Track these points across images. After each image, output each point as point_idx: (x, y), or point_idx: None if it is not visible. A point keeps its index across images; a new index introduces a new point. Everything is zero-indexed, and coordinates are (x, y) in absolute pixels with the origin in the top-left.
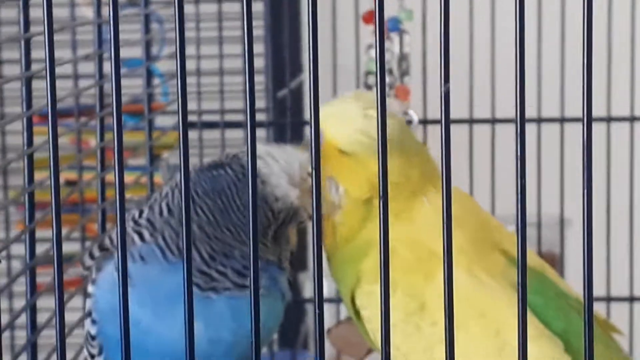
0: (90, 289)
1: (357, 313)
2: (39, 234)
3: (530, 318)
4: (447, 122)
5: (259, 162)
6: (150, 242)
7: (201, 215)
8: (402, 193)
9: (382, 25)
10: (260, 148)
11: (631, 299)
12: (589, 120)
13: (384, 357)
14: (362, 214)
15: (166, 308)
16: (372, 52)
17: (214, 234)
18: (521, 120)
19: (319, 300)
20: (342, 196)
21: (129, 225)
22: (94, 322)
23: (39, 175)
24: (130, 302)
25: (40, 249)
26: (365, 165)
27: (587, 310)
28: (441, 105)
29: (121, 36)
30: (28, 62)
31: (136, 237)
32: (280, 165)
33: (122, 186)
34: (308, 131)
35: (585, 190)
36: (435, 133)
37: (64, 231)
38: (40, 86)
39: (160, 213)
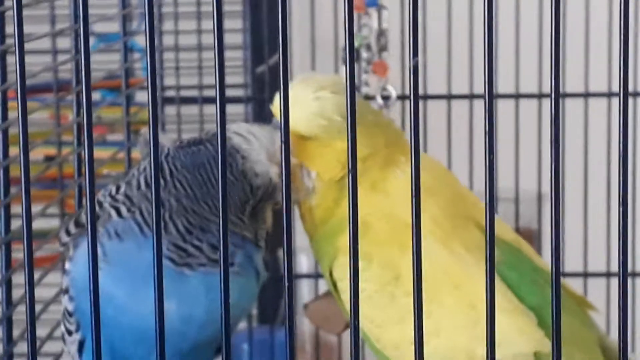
0: (67, 265)
1: (334, 285)
2: (15, 209)
3: (505, 292)
4: (416, 96)
5: (240, 139)
6: (128, 218)
7: (179, 188)
8: (374, 165)
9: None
10: (242, 126)
11: (608, 275)
12: (556, 96)
13: (353, 322)
14: (336, 194)
15: (141, 285)
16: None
17: (192, 207)
18: (490, 97)
19: (289, 274)
20: (314, 180)
21: (106, 200)
22: (71, 298)
23: (14, 150)
24: (106, 279)
25: (16, 224)
26: (330, 146)
27: (554, 282)
28: (410, 78)
29: (99, 11)
30: (2, 37)
31: (113, 213)
32: (261, 142)
33: (91, 164)
34: (273, 121)
35: (553, 165)
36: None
37: (42, 207)
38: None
39: (138, 187)
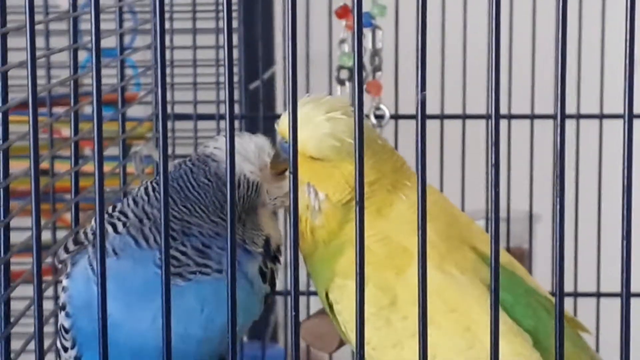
0: (64, 282)
1: (330, 307)
2: (13, 222)
3: (500, 315)
4: (423, 130)
5: (213, 146)
6: (123, 233)
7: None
8: (381, 189)
9: (361, 25)
10: (218, 137)
11: (598, 295)
12: (562, 116)
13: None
14: (341, 216)
15: (137, 301)
16: (345, 47)
17: (172, 213)
18: (496, 117)
19: (295, 302)
20: (322, 201)
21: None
22: (67, 315)
23: (14, 164)
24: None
25: (14, 237)
26: (339, 168)
27: (558, 305)
28: (417, 112)
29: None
30: (4, 56)
31: (110, 229)
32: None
33: (101, 180)
34: (278, 139)
35: (558, 186)
36: (406, 128)
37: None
38: (15, 74)
39: (135, 204)
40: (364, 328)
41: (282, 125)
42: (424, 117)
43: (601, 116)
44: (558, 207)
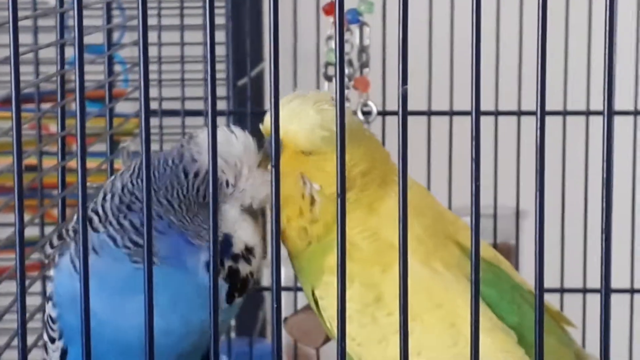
0: (51, 272)
1: (316, 303)
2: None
3: (484, 310)
4: (405, 123)
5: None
6: (102, 232)
7: (126, 190)
8: (373, 181)
9: (342, 21)
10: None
11: (584, 291)
12: (542, 112)
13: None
14: (336, 209)
15: (119, 298)
16: (332, 44)
17: (128, 187)
18: (477, 114)
19: (277, 293)
20: (316, 192)
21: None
22: (54, 305)
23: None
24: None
25: (0, 233)
26: (332, 160)
27: (538, 299)
28: (399, 105)
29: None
30: None
31: (88, 227)
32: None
33: (84, 176)
34: (266, 132)
35: (538, 183)
36: (393, 125)
37: (25, 217)
38: (1, 71)
39: (112, 198)
40: (345, 321)
41: (267, 124)
42: (406, 110)
43: (587, 113)
44: (538, 202)
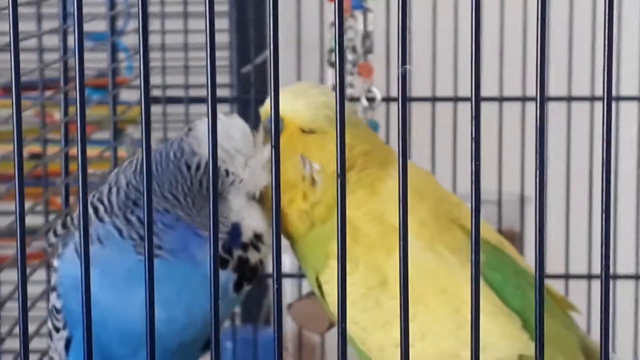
0: (55, 263)
1: (320, 288)
2: (2, 206)
3: (489, 295)
4: (404, 103)
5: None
6: (108, 223)
7: (131, 186)
8: (374, 160)
9: (342, 7)
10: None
11: (589, 277)
12: (542, 99)
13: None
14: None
15: (124, 287)
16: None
17: (132, 182)
18: (476, 99)
19: (278, 276)
20: (317, 172)
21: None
22: (59, 296)
23: (2, 148)
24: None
25: (3, 221)
26: (333, 140)
27: (538, 283)
28: (398, 86)
29: (86, 10)
30: None
31: (92, 215)
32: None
33: (84, 163)
34: (265, 115)
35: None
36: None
37: (28, 204)
38: (4, 58)
39: (118, 192)
40: (346, 304)
41: (268, 107)
42: (405, 91)
43: (592, 98)
44: (538, 188)
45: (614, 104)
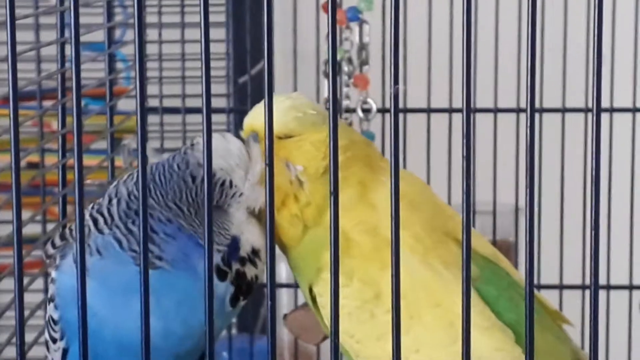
0: (53, 274)
1: (313, 300)
2: (2, 215)
3: (483, 309)
4: (396, 120)
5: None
6: (107, 234)
7: (132, 197)
8: (356, 157)
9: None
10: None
11: (583, 287)
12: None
13: (333, 341)
14: (325, 189)
15: (122, 299)
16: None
17: (134, 193)
18: (467, 110)
19: (271, 289)
20: (301, 174)
21: (86, 213)
22: (56, 307)
23: (2, 157)
24: (87, 294)
25: (3, 230)
26: (307, 139)
27: (528, 295)
28: (390, 105)
29: (85, 20)
30: None
31: (92, 226)
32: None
33: (81, 173)
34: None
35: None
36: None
37: (27, 214)
38: (3, 68)
39: (119, 203)
40: (339, 315)
41: (247, 123)
42: (397, 109)
43: (586, 110)
44: (528, 199)
45: (609, 115)
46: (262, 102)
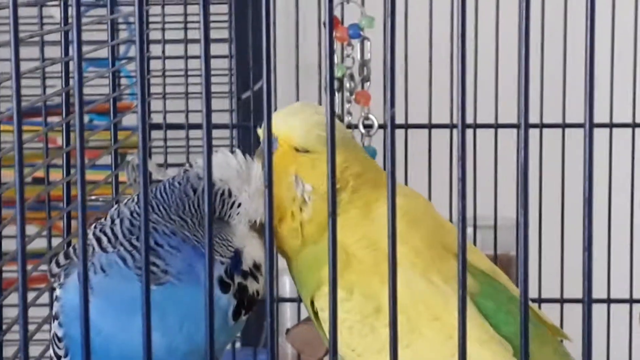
0: (57, 292)
1: (316, 314)
2: (7, 230)
3: (481, 323)
4: (393, 141)
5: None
6: (111, 252)
7: (135, 214)
8: (366, 183)
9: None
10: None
11: (584, 301)
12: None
13: (331, 352)
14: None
15: (126, 316)
16: (335, 57)
17: (137, 210)
18: (462, 126)
19: (271, 304)
20: (309, 193)
21: (89, 232)
22: (60, 324)
23: (6, 172)
24: (93, 311)
25: (11, 244)
26: (325, 160)
27: (523, 310)
28: (385, 126)
29: (90, 37)
30: None
31: (95, 245)
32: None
33: (83, 188)
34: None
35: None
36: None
37: (34, 229)
38: (7, 84)
39: (122, 222)
40: (337, 329)
41: (276, 128)
42: (394, 131)
43: (563, 125)
44: (522, 212)
45: (609, 130)
46: (288, 108)
